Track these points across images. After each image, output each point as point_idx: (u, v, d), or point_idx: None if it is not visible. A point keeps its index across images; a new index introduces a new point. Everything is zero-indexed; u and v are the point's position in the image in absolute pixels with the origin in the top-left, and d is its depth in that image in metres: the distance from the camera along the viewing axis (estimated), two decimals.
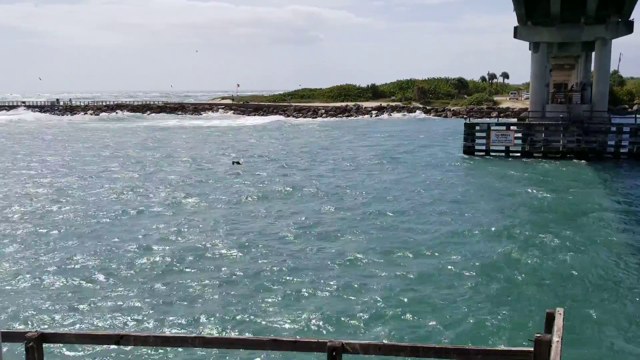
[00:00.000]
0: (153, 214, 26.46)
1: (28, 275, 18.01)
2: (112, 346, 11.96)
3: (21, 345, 7.20)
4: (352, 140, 63.39)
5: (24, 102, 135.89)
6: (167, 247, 21.01)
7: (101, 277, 17.92)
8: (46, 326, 13.85)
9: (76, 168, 41.80)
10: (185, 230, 23.54)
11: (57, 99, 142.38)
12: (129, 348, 12.32)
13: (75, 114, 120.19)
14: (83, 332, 10.63)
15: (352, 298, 16.10)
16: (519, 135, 47.35)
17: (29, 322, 14.36)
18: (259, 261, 19.48)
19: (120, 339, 7.35)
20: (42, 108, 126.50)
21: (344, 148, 55.49)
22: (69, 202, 28.91)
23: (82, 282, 17.54)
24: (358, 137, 67.29)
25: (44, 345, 7.23)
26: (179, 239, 22.28)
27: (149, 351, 12.55)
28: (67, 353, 12.59)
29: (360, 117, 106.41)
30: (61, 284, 17.32)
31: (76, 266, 18.97)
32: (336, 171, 40.32)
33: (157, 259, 19.68)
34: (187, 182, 35.36)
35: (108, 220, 25.24)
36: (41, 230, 23.43)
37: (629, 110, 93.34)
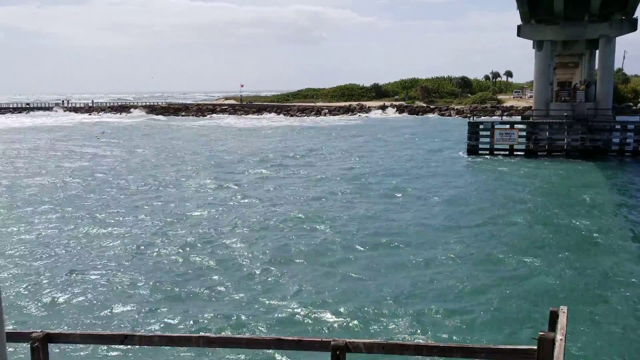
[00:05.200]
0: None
1: (34, 275, 18.08)
2: (117, 346, 12.00)
3: (26, 345, 7.24)
4: (352, 140, 63.39)
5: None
6: (171, 244, 21.07)
7: (106, 276, 17.98)
8: (51, 326, 13.90)
9: None
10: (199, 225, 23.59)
11: (63, 100, 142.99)
12: (133, 348, 12.35)
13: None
14: (88, 332, 10.67)
15: (356, 296, 16.10)
16: (523, 133, 47.22)
17: (34, 322, 14.41)
18: (267, 258, 19.52)
19: (125, 339, 7.38)
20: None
21: (346, 147, 55.49)
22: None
23: (86, 280, 17.61)
24: (358, 138, 67.27)
25: (50, 345, 7.26)
26: (189, 233, 22.33)
27: (154, 351, 12.59)
28: (73, 353, 12.63)
29: (364, 114, 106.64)
30: (66, 283, 17.37)
31: (82, 263, 19.05)
32: (333, 168, 40.31)
33: (162, 255, 19.75)
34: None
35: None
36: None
37: (634, 108, 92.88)
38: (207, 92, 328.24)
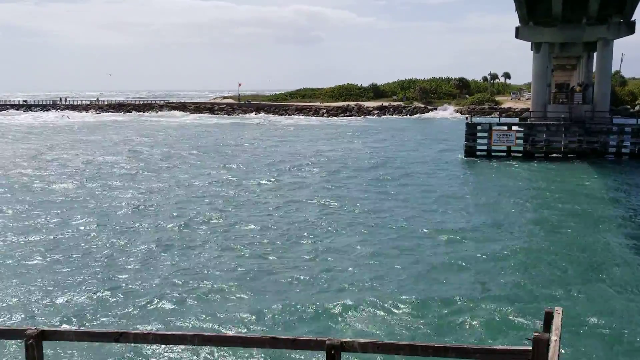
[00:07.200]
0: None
1: (28, 271, 18.04)
2: (112, 343, 11.97)
3: (21, 342, 7.23)
4: (347, 141, 63.41)
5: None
6: (172, 241, 21.08)
7: (101, 274, 17.96)
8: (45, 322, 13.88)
9: None
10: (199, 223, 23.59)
11: (60, 98, 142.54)
12: (128, 346, 12.34)
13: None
14: (83, 330, 10.68)
15: (352, 295, 16.10)
16: (521, 135, 47.19)
17: (29, 319, 14.39)
18: (260, 255, 19.53)
19: (119, 337, 7.37)
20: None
21: (338, 149, 55.53)
22: None
23: (83, 277, 17.58)
24: (354, 138, 67.29)
25: (44, 342, 7.25)
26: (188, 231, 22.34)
27: (148, 349, 12.58)
28: (67, 350, 12.61)
29: (361, 117, 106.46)
30: (61, 280, 17.34)
31: (79, 260, 19.02)
32: (323, 175, 40.33)
33: (162, 252, 19.75)
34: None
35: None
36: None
37: (631, 110, 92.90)
38: (205, 90, 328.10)
